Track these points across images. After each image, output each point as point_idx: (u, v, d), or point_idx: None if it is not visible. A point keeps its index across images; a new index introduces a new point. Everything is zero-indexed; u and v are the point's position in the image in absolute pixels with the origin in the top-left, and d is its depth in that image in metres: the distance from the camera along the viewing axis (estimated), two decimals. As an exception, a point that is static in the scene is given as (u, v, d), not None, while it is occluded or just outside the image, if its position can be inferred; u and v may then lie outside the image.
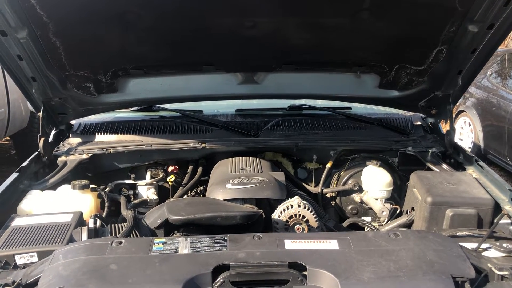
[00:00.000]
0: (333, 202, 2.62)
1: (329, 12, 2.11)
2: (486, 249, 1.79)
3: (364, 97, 2.68)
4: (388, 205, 2.38)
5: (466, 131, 7.15)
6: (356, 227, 2.45)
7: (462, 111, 7.29)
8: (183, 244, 1.64)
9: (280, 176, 2.31)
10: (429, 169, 2.48)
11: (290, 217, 2.07)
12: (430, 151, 2.54)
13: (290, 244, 1.64)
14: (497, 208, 2.07)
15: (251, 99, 2.76)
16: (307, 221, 2.07)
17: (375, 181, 2.39)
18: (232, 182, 2.17)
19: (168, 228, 1.94)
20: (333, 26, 2.20)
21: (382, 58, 2.43)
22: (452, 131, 2.57)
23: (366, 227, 2.34)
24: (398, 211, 2.42)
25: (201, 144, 2.55)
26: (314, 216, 2.07)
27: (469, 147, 6.97)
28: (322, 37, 2.28)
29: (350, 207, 2.56)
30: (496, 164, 6.47)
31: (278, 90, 2.64)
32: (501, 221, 2.02)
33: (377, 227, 2.38)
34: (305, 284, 1.51)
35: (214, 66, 2.52)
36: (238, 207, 2.02)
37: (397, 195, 2.52)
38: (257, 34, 2.24)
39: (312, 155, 2.64)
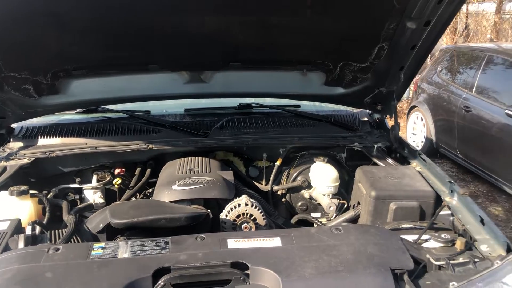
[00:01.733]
0: (283, 199, 2.64)
1: (273, 11, 2.11)
2: (426, 240, 1.84)
3: (311, 95, 2.71)
4: (335, 200, 2.41)
5: (419, 126, 7.36)
6: (306, 223, 2.47)
7: (415, 106, 7.49)
8: (123, 248, 1.60)
9: (229, 175, 2.30)
10: (375, 163, 2.53)
11: (238, 216, 2.06)
12: (375, 146, 2.59)
13: (233, 243, 1.63)
14: (438, 200, 2.14)
15: (199, 98, 2.73)
16: (254, 219, 2.06)
17: (321, 177, 2.42)
18: (178, 183, 2.14)
19: (111, 233, 1.89)
20: (277, 25, 2.20)
21: (327, 56, 2.46)
22: (396, 126, 2.63)
23: (314, 223, 2.37)
24: (345, 206, 2.46)
25: (148, 145, 2.51)
26: (262, 214, 2.07)
27: (422, 141, 7.18)
28: (267, 35, 2.28)
29: (300, 203, 2.58)
30: (447, 157, 6.70)
31: (226, 89, 2.62)
32: (442, 212, 2.08)
33: (324, 222, 2.40)
34: (247, 283, 1.51)
35: (158, 65, 2.48)
36: (184, 208, 1.99)
37: (344, 190, 2.56)
38: (201, 33, 2.22)
39: (262, 153, 2.64)
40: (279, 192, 2.65)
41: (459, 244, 1.75)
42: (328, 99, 2.75)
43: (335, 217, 2.44)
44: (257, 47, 2.38)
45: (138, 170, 2.58)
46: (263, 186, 2.62)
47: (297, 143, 2.61)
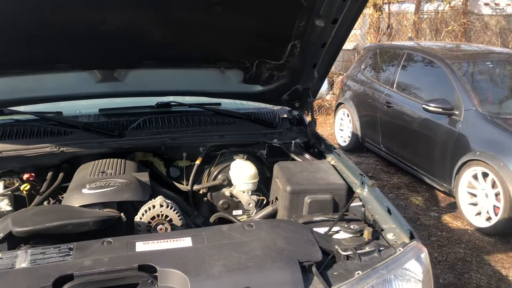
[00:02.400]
0: (205, 198, 2.62)
1: (183, 7, 2.08)
2: (337, 232, 1.89)
3: (230, 93, 2.71)
4: (255, 197, 2.43)
5: (346, 122, 7.59)
6: (226, 221, 2.47)
7: (341, 103, 7.72)
8: (22, 258, 1.51)
9: (144, 176, 2.24)
10: (293, 159, 2.57)
11: (153, 218, 2.02)
12: (293, 142, 2.63)
13: (142, 246, 1.59)
14: (351, 192, 2.21)
15: (113, 97, 2.64)
16: (170, 220, 2.03)
17: (240, 175, 2.43)
18: (89, 187, 2.06)
19: (14, 242, 1.78)
20: (188, 21, 2.17)
21: (242, 54, 2.46)
22: (313, 122, 2.69)
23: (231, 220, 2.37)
24: (264, 201, 2.49)
25: (59, 148, 2.39)
26: (178, 214, 2.04)
27: (349, 136, 7.42)
28: (180, 32, 2.25)
29: (221, 201, 2.58)
30: (372, 151, 6.97)
31: (142, 87, 2.56)
32: (354, 204, 2.15)
33: (245, 219, 2.41)
34: (156, 285, 1.47)
35: (68, 64, 2.37)
36: (92, 213, 1.92)
37: (264, 187, 2.58)
38: (111, 30, 2.15)
39: (182, 152, 2.61)
40: (201, 191, 2.62)
41: (367, 234, 1.82)
42: (247, 96, 2.76)
43: (256, 213, 2.45)
44: (171, 44, 2.34)
45: (49, 174, 2.45)
46: (183, 186, 2.58)
47: (217, 141, 2.60)
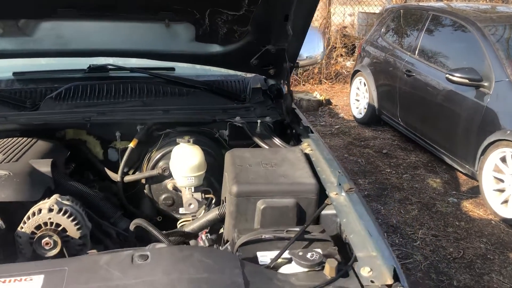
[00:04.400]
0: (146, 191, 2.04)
1: None
2: (288, 261, 1.29)
3: (180, 54, 2.06)
4: (198, 195, 1.82)
5: (362, 92, 6.89)
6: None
7: (358, 71, 7.01)
8: None
9: (44, 165, 1.66)
10: (257, 145, 1.95)
11: (38, 227, 1.45)
12: (258, 121, 2.00)
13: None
14: (324, 196, 1.59)
15: (22, 57, 2.04)
16: (64, 230, 1.46)
17: (180, 165, 1.82)
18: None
19: None
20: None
21: (188, 1, 1.81)
22: (289, 95, 2.05)
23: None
24: (213, 201, 1.88)
25: None
26: (76, 222, 1.47)
27: (365, 108, 6.75)
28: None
29: (163, 196, 1.99)
30: (389, 125, 6.29)
31: (59, 44, 1.94)
32: (328, 212, 1.54)
33: (184, 224, 1.82)
34: None
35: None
36: None
37: (217, 181, 1.97)
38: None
39: (114, 131, 2.02)
40: (143, 181, 2.05)
41: (328, 269, 1.21)
42: (202, 59, 2.12)
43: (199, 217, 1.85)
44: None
45: None
46: (114, 175, 2.00)
47: (159, 118, 2.00)
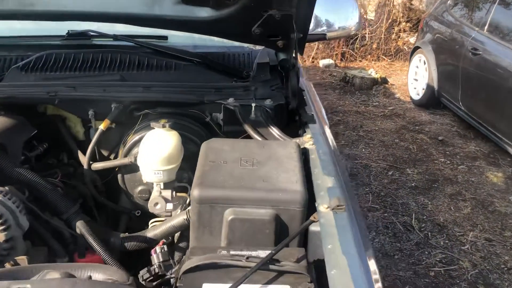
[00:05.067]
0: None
1: None
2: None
3: (163, 19, 1.70)
4: (168, 193, 1.50)
5: (421, 70, 6.26)
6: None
7: (418, 47, 6.37)
8: None
9: None
10: (246, 135, 1.59)
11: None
12: (253, 105, 1.63)
13: None
14: (313, 208, 1.22)
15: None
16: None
17: (145, 156, 1.50)
18: None
19: None
20: None
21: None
22: (295, 74, 1.66)
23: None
24: (187, 201, 1.54)
25: None
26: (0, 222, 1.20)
27: (423, 89, 6.14)
28: None
29: (139, 189, 1.69)
30: (449, 109, 5.68)
31: (24, 5, 1.64)
32: (316, 229, 1.17)
33: (155, 224, 1.52)
34: None
35: None
36: None
37: None
38: None
39: (88, 109, 1.73)
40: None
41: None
42: (191, 26, 1.75)
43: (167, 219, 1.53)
44: None
45: None
46: (84, 160, 1.73)
47: (138, 96, 1.69)
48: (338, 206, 1.09)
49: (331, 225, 1.10)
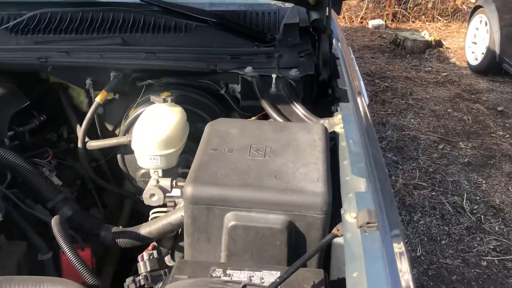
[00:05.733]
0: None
1: None
2: None
3: None
4: (167, 182, 1.25)
5: (482, 33, 5.67)
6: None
7: (480, 6, 5.74)
8: None
9: None
10: (263, 116, 1.31)
11: None
12: (273, 76, 1.34)
13: None
14: (337, 215, 0.94)
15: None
16: None
17: (140, 137, 1.25)
18: None
19: None
20: None
21: None
22: (327, 37, 1.34)
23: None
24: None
25: None
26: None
27: (482, 53, 5.56)
28: None
29: (141, 172, 1.46)
30: (511, 76, 5.13)
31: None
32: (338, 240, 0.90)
33: (157, 214, 1.28)
34: None
35: None
36: None
37: None
38: None
39: (85, 78, 1.50)
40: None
41: None
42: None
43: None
44: None
45: None
46: (81, 137, 1.51)
47: (139, 63, 1.43)
48: (368, 223, 0.81)
49: (358, 243, 0.82)
